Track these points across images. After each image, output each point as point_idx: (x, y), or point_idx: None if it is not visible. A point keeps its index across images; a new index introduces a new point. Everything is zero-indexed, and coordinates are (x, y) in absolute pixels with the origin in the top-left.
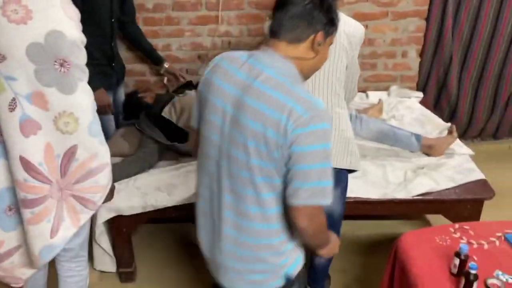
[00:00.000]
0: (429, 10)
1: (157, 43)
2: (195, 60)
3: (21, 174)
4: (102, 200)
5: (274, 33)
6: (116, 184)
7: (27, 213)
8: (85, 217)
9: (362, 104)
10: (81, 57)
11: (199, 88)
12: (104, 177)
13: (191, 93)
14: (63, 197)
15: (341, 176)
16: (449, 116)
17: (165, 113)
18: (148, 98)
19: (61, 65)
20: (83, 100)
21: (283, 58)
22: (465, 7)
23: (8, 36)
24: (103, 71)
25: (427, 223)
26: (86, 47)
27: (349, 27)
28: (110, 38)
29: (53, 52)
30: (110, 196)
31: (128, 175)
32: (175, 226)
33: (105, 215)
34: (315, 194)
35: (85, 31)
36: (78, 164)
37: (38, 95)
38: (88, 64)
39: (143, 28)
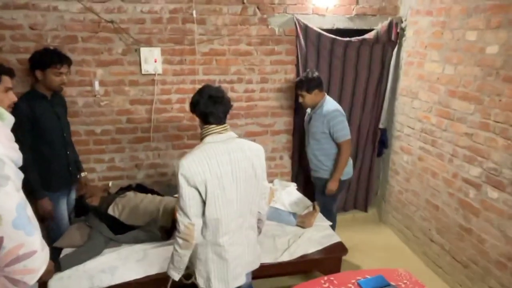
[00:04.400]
0: (294, 128)
1: (104, 157)
2: (133, 168)
3: None
4: (33, 281)
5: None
6: (67, 271)
7: None
8: None
9: None
10: (5, 168)
11: None
12: (33, 262)
13: (130, 193)
14: None
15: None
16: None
17: (110, 211)
18: (94, 200)
19: None
20: (5, 201)
21: None
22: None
23: None
24: (61, 175)
25: (307, 277)
26: (46, 158)
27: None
28: (65, 148)
29: None
30: (48, 275)
31: (79, 263)
32: None
33: None
34: None
35: (44, 146)
36: (6, 251)
37: None
38: (48, 172)
39: (93, 147)
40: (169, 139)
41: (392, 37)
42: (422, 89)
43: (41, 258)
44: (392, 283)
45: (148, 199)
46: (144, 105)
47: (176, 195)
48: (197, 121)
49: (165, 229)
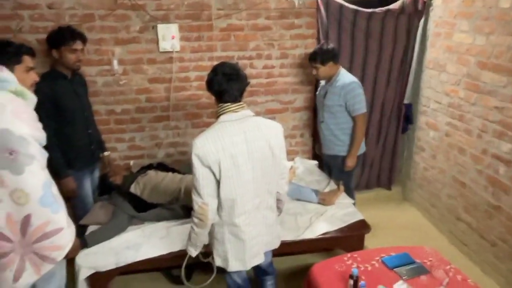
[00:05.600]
0: (314, 105)
1: (125, 137)
2: (153, 148)
3: None
4: (61, 257)
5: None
6: (93, 247)
7: None
8: (46, 268)
9: None
10: (30, 147)
11: None
12: (59, 239)
13: (151, 172)
14: (25, 253)
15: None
16: None
17: (132, 189)
18: (117, 179)
19: (10, 153)
20: (31, 179)
21: None
22: None
23: None
24: (83, 155)
25: (328, 254)
26: (68, 137)
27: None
28: (86, 128)
29: (3, 144)
30: (74, 252)
31: (105, 240)
32: (143, 276)
33: (85, 272)
34: None
35: (65, 125)
36: (33, 228)
37: None
38: (71, 151)
39: (114, 127)
40: (188, 117)
41: (418, 7)
42: (450, 61)
43: (67, 235)
44: (418, 261)
45: (169, 178)
46: (162, 84)
47: None
48: (214, 99)
49: (186, 207)
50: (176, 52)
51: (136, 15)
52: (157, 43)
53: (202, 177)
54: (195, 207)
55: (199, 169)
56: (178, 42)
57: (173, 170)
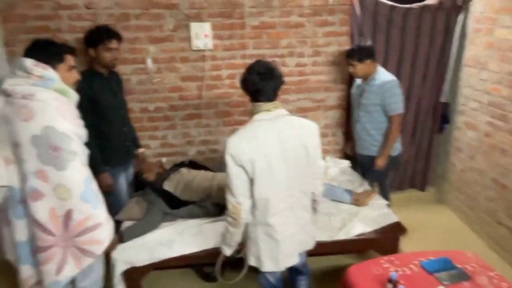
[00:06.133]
0: (347, 103)
1: (157, 134)
2: (185, 145)
3: (33, 228)
4: (100, 251)
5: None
6: (129, 242)
7: (39, 256)
8: (86, 262)
9: None
10: (72, 144)
11: None
12: (99, 234)
13: (183, 169)
14: (67, 246)
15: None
16: None
17: (165, 186)
18: (150, 176)
19: (54, 150)
20: (74, 175)
21: None
22: None
23: (20, 130)
24: (119, 151)
25: (361, 256)
26: (105, 134)
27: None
28: (122, 125)
29: (47, 141)
30: (112, 247)
31: (139, 235)
32: (175, 271)
33: (121, 267)
34: None
35: (102, 123)
36: (75, 223)
37: (41, 172)
38: (107, 147)
39: (147, 124)
40: (220, 115)
41: (457, 2)
42: (492, 58)
43: (106, 230)
44: (459, 266)
45: (201, 176)
46: (195, 82)
47: None
48: (247, 97)
49: (218, 205)
50: (209, 50)
51: (170, 14)
52: (190, 41)
53: (236, 177)
54: (229, 206)
55: (232, 169)
56: (210, 41)
57: (204, 168)
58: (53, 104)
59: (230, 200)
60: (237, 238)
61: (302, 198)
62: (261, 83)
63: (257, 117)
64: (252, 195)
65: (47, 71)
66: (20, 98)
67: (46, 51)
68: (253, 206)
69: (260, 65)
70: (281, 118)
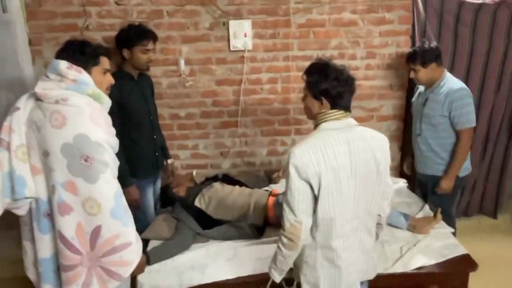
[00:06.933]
0: (405, 113)
1: (188, 143)
2: (218, 157)
3: (59, 244)
4: (127, 274)
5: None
6: (156, 265)
7: (63, 275)
8: (111, 285)
9: None
10: (105, 154)
11: None
12: (128, 254)
13: (216, 184)
14: (93, 267)
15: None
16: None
17: (196, 202)
18: (180, 190)
19: (85, 160)
20: (104, 188)
21: None
22: None
23: (51, 138)
24: (148, 161)
25: None
26: (134, 142)
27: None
28: (152, 133)
29: (79, 150)
30: (140, 269)
31: (168, 257)
32: None
33: None
34: None
35: (131, 129)
36: (103, 240)
37: (70, 183)
38: (135, 157)
39: (177, 132)
40: (258, 124)
41: None
42: None
43: (135, 251)
44: None
45: (237, 192)
46: (232, 86)
47: (266, 188)
48: (290, 104)
49: (256, 226)
50: (248, 51)
51: (206, 11)
52: (228, 41)
53: (298, 192)
54: (286, 225)
55: (295, 182)
56: (250, 40)
57: (240, 184)
58: (87, 110)
59: (289, 218)
60: (290, 262)
61: (368, 220)
62: (342, 88)
63: (325, 125)
64: (314, 213)
65: (81, 75)
66: (53, 103)
67: (80, 52)
68: (314, 226)
69: (336, 68)
70: (351, 128)
